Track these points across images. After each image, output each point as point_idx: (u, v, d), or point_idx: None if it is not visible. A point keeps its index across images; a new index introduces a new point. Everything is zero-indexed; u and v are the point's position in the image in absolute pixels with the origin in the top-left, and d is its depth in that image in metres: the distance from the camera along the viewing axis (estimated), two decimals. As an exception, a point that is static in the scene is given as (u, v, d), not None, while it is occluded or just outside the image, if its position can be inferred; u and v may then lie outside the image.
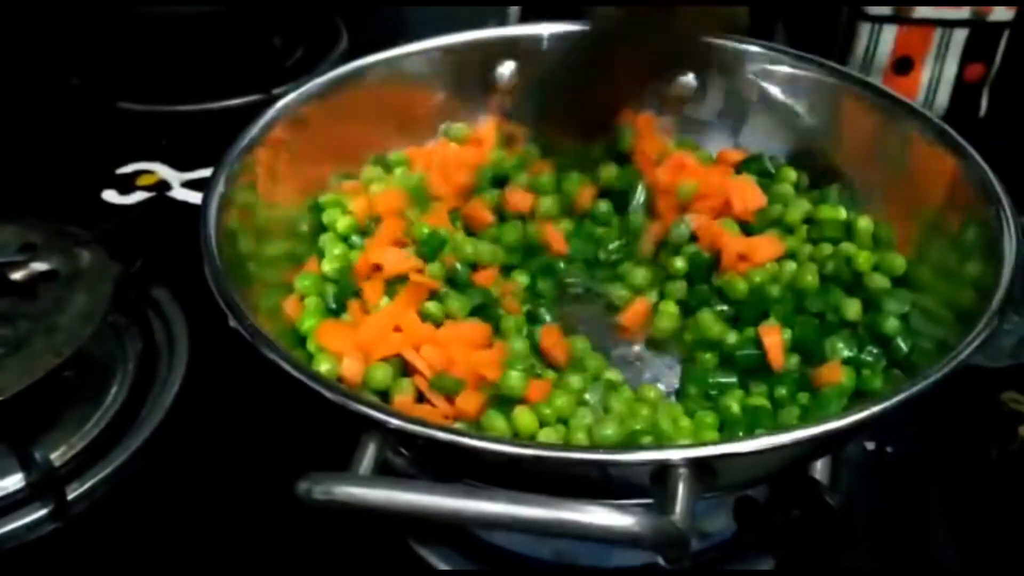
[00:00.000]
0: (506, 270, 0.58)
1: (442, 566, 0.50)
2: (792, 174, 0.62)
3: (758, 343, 0.52)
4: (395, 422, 0.38)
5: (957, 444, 0.57)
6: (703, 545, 0.51)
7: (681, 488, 0.36)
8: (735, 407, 0.49)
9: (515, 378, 0.47)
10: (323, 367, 0.48)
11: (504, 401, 0.47)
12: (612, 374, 0.52)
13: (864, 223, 0.57)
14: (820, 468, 0.53)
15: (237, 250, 0.50)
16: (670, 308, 0.56)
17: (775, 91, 0.63)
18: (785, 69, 0.63)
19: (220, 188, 0.51)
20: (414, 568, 0.50)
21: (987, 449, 0.57)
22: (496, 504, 0.34)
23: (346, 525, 0.49)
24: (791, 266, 0.56)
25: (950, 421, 0.57)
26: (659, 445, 0.44)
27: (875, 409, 0.40)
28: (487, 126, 0.65)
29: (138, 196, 0.76)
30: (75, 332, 0.55)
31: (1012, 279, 0.46)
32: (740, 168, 0.63)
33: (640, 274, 0.57)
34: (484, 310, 0.54)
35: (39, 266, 0.59)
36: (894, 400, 0.40)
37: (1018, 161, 0.60)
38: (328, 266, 0.55)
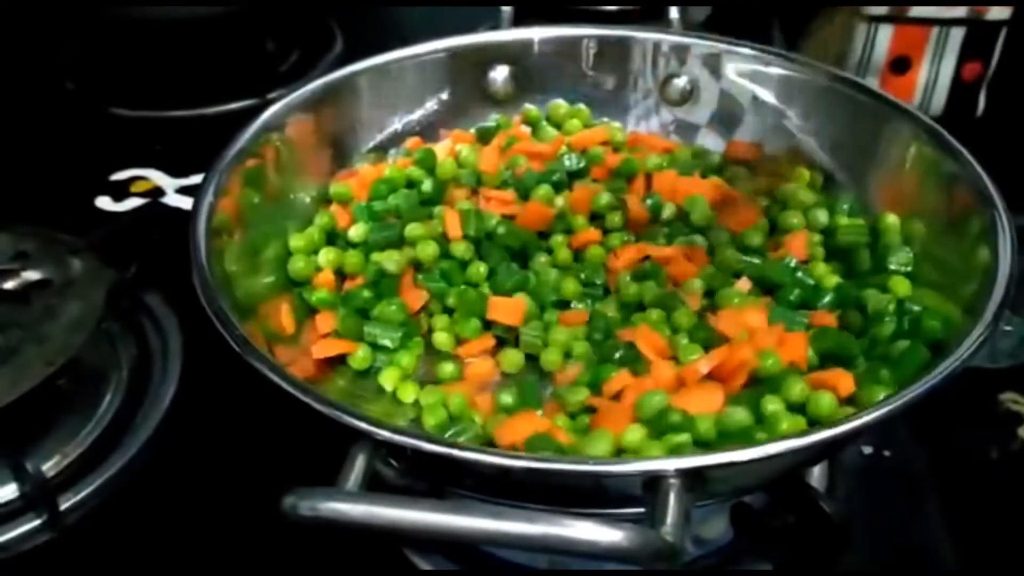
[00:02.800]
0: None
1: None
2: (806, 174, 0.61)
3: None
4: (384, 433, 0.38)
5: (956, 446, 0.57)
6: (700, 551, 0.51)
7: (672, 498, 0.35)
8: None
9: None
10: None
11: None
12: None
13: (891, 220, 0.56)
14: (817, 474, 0.53)
15: (228, 259, 0.50)
16: None
17: (768, 93, 0.63)
18: (778, 71, 0.63)
19: (210, 197, 0.51)
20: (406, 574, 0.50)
21: (987, 451, 0.56)
22: (483, 520, 0.33)
23: (339, 535, 0.48)
24: None
25: (949, 423, 0.57)
26: (650, 456, 0.43)
27: (870, 417, 0.39)
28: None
29: (132, 203, 0.75)
30: (68, 340, 0.54)
31: (1008, 282, 0.46)
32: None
33: None
34: None
35: (31, 274, 0.59)
36: (889, 407, 0.40)
37: (1016, 160, 0.60)
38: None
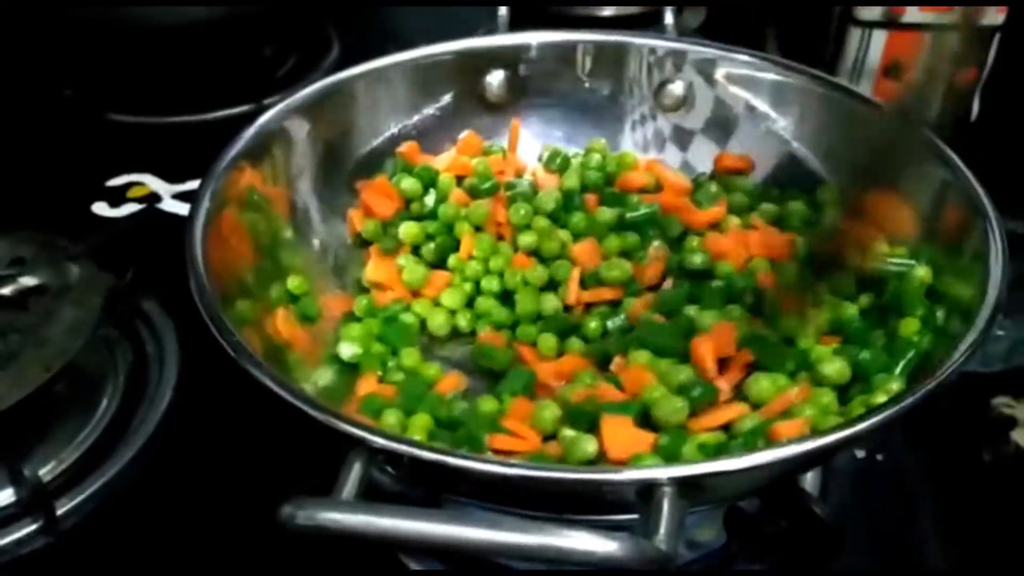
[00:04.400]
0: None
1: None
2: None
3: None
4: (380, 441, 0.38)
5: (949, 451, 0.57)
6: (693, 555, 0.51)
7: (666, 506, 0.36)
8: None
9: None
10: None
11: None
12: None
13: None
14: (810, 478, 0.53)
15: (224, 265, 0.50)
16: None
17: (762, 100, 0.63)
18: (772, 77, 0.63)
19: (206, 202, 0.51)
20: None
21: (980, 455, 0.56)
22: (478, 531, 0.34)
23: (335, 543, 0.49)
24: None
25: (942, 427, 0.57)
26: (645, 464, 0.44)
27: (864, 424, 0.40)
28: None
29: (129, 208, 0.75)
30: (65, 346, 0.54)
31: (1000, 288, 0.46)
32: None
33: None
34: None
35: (28, 280, 0.59)
36: (882, 416, 0.40)
37: (1010, 165, 0.60)
38: None
